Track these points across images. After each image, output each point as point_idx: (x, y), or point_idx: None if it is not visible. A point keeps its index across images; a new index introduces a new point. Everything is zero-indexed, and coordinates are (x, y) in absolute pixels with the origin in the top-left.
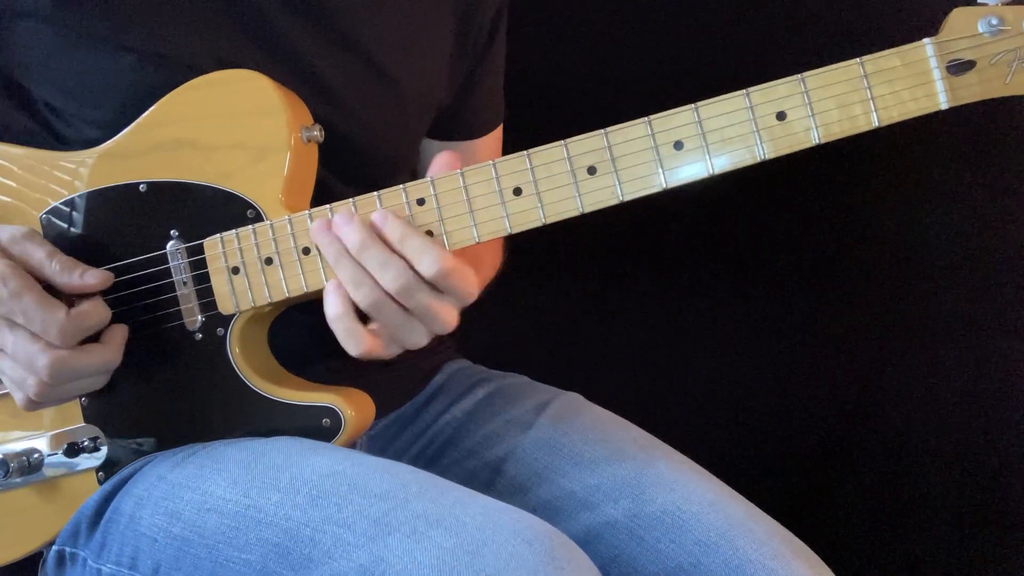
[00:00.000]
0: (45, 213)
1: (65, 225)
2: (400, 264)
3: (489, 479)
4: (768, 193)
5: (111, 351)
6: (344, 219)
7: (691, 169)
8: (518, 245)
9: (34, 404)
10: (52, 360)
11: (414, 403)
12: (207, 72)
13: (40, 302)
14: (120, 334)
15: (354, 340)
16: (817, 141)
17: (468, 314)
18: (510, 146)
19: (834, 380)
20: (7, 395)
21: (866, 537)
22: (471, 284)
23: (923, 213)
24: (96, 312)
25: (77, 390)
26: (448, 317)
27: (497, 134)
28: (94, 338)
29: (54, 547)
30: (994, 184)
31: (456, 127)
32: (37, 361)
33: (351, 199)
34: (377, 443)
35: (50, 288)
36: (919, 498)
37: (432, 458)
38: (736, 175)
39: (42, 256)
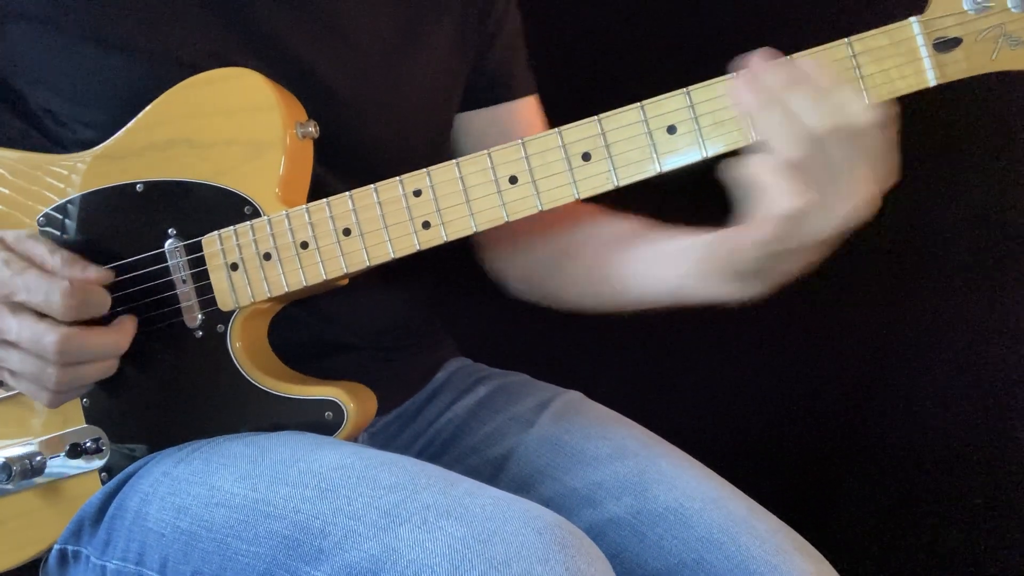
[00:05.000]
0: (43, 216)
1: (63, 227)
2: (829, 101)
3: (492, 476)
4: None
5: (119, 333)
6: (764, 61)
7: (685, 153)
8: None
9: (57, 397)
10: (60, 337)
11: (415, 401)
12: (201, 71)
13: (42, 275)
14: (130, 322)
15: (793, 191)
16: None
17: (468, 312)
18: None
19: (835, 378)
20: (8, 399)
21: (867, 533)
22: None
23: (925, 212)
24: (97, 289)
25: (90, 375)
26: (867, 180)
27: (532, 105)
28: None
29: (55, 546)
30: (996, 183)
31: (478, 94)
32: (44, 338)
33: (347, 192)
34: (378, 441)
35: None
36: (920, 495)
37: (434, 456)
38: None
39: (44, 251)
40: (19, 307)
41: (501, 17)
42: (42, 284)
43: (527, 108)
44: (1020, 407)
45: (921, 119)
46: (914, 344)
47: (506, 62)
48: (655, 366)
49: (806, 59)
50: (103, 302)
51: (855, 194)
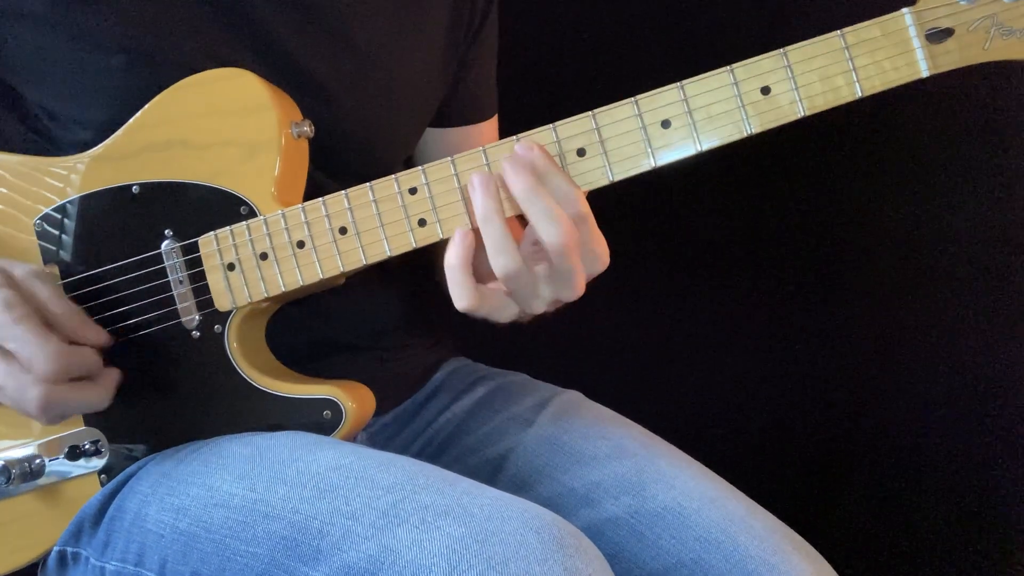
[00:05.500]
0: (39, 219)
1: (59, 230)
2: (566, 219)
3: (490, 476)
4: (769, 192)
5: (102, 391)
6: (513, 168)
7: (679, 147)
8: None
9: (50, 423)
10: (42, 393)
11: (414, 401)
12: (198, 71)
13: (37, 331)
14: (114, 378)
15: (462, 292)
16: (803, 114)
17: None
18: (501, 132)
19: (834, 378)
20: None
21: (865, 533)
22: (604, 248)
23: (925, 212)
24: (88, 356)
25: (71, 414)
26: (579, 282)
27: (493, 124)
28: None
29: (55, 548)
30: (996, 183)
31: (452, 114)
32: (27, 393)
33: (343, 191)
34: (377, 441)
35: None
36: (918, 495)
37: (433, 455)
38: (737, 175)
39: (49, 296)
40: (8, 353)
41: (486, 33)
42: (31, 341)
43: (489, 128)
44: (1020, 409)
45: (921, 120)
46: (913, 345)
47: (480, 85)
48: (655, 366)
49: (521, 146)
50: (90, 365)
51: (559, 294)
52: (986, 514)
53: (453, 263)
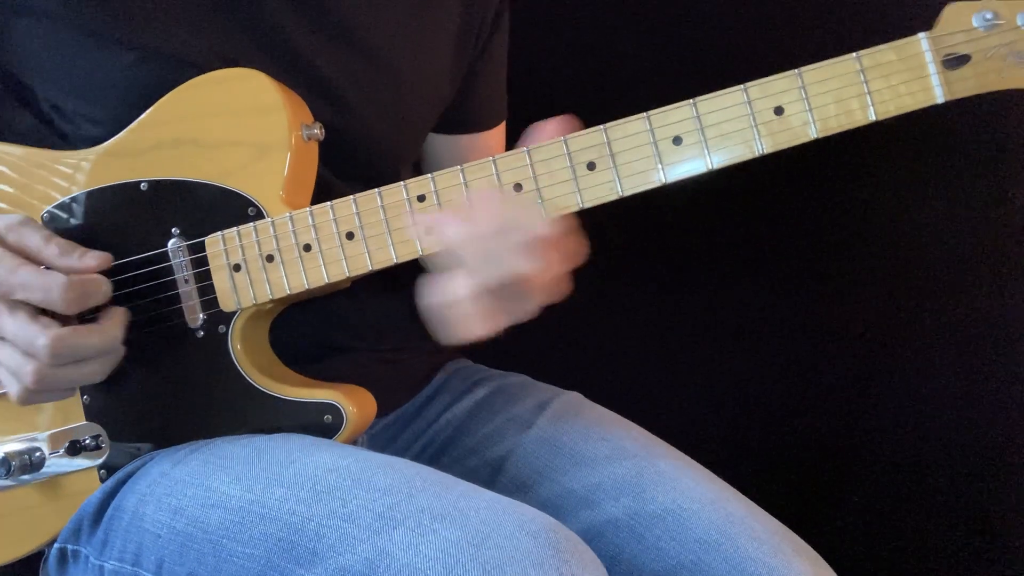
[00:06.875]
0: (46, 212)
1: (66, 224)
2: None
3: (490, 478)
4: (769, 193)
5: (112, 328)
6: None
7: (690, 164)
8: None
9: (30, 395)
10: (52, 339)
11: (414, 402)
12: (208, 70)
13: (38, 271)
14: (120, 315)
15: (478, 322)
16: (815, 135)
17: None
18: (511, 143)
19: (835, 379)
20: (6, 394)
21: (865, 535)
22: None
23: (924, 212)
24: (95, 278)
25: (76, 378)
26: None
27: (501, 130)
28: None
29: (55, 545)
30: (995, 183)
31: (461, 121)
32: (37, 341)
33: (351, 196)
34: (378, 442)
35: None
36: (918, 496)
37: (433, 457)
38: (737, 176)
39: (39, 240)
40: (16, 305)
41: (496, 41)
42: (38, 281)
43: (496, 134)
44: (1019, 409)
45: (920, 119)
46: (913, 346)
47: (490, 92)
48: (655, 366)
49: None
50: (103, 290)
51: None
52: (987, 515)
53: (460, 296)
